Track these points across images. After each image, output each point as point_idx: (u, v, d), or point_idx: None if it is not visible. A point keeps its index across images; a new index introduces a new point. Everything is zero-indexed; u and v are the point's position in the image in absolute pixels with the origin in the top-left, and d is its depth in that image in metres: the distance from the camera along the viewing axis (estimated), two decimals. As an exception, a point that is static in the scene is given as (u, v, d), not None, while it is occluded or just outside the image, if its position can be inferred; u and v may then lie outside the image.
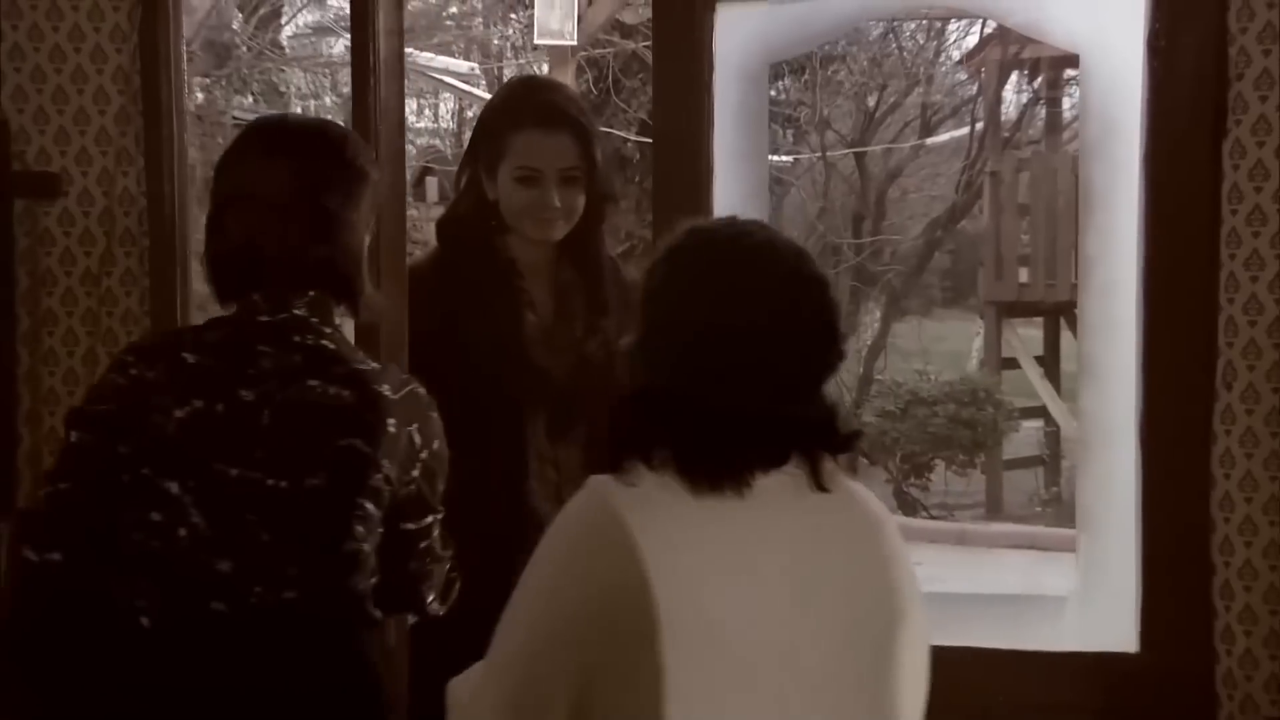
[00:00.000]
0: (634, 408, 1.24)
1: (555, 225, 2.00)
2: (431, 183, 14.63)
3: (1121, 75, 2.31)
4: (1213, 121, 2.25)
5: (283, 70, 10.15)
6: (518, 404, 2.00)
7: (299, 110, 12.37)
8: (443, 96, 14.68)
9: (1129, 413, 2.34)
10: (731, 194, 2.46)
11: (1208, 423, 2.29)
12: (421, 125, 16.15)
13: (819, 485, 1.19)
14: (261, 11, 10.03)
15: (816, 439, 1.21)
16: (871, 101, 14.51)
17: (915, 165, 16.13)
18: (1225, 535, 2.28)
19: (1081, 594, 2.41)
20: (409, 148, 15.13)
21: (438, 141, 15.19)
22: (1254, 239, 2.26)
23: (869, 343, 10.28)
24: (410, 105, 16.32)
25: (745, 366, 1.19)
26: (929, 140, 14.62)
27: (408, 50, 10.67)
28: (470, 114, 15.75)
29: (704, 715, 1.13)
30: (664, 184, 2.49)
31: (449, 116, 15.77)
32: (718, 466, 1.17)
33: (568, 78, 5.64)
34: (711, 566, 1.15)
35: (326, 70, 10.17)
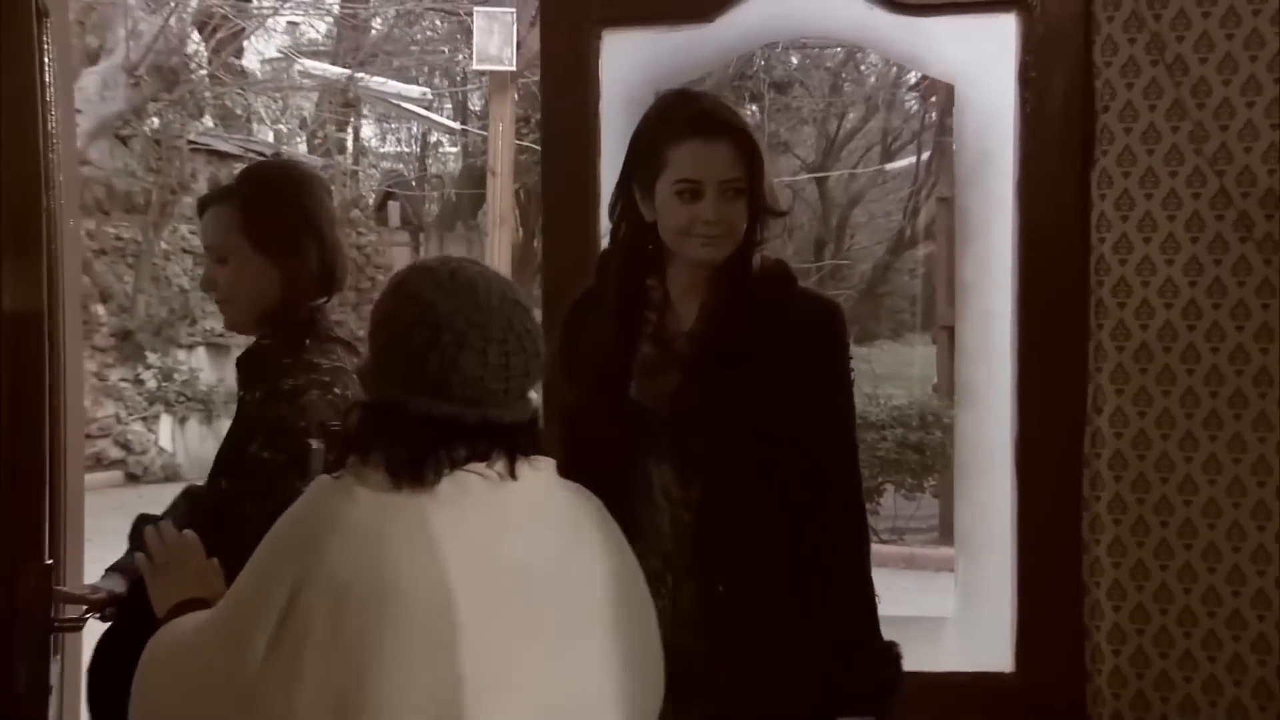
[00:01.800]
0: (359, 416, 1.44)
1: (719, 244, 1.76)
2: (394, 207, 14.64)
3: (996, 107, 2.36)
4: (1081, 152, 2.31)
5: (239, 93, 10.15)
6: (629, 444, 1.80)
7: (261, 133, 12.38)
8: (405, 122, 14.71)
9: (1005, 437, 2.38)
10: (619, 220, 2.50)
11: (1079, 446, 2.33)
12: (385, 150, 16.18)
13: (511, 475, 1.42)
14: (220, 35, 10.04)
15: (513, 439, 1.43)
16: (832, 127, 14.64)
17: (881, 190, 16.26)
18: (1096, 556, 2.32)
19: (960, 615, 2.45)
20: (373, 171, 15.13)
21: (401, 166, 15.20)
22: (1121, 266, 2.31)
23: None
24: (374, 130, 16.41)
25: (451, 380, 1.40)
26: (889, 166, 14.75)
27: (360, 76, 10.56)
28: (434, 139, 15.82)
29: (394, 676, 1.32)
30: (553, 209, 2.54)
31: (413, 141, 15.80)
32: (408, 464, 1.38)
33: (506, 104, 5.67)
34: (400, 545, 1.36)
35: (277, 94, 10.17)
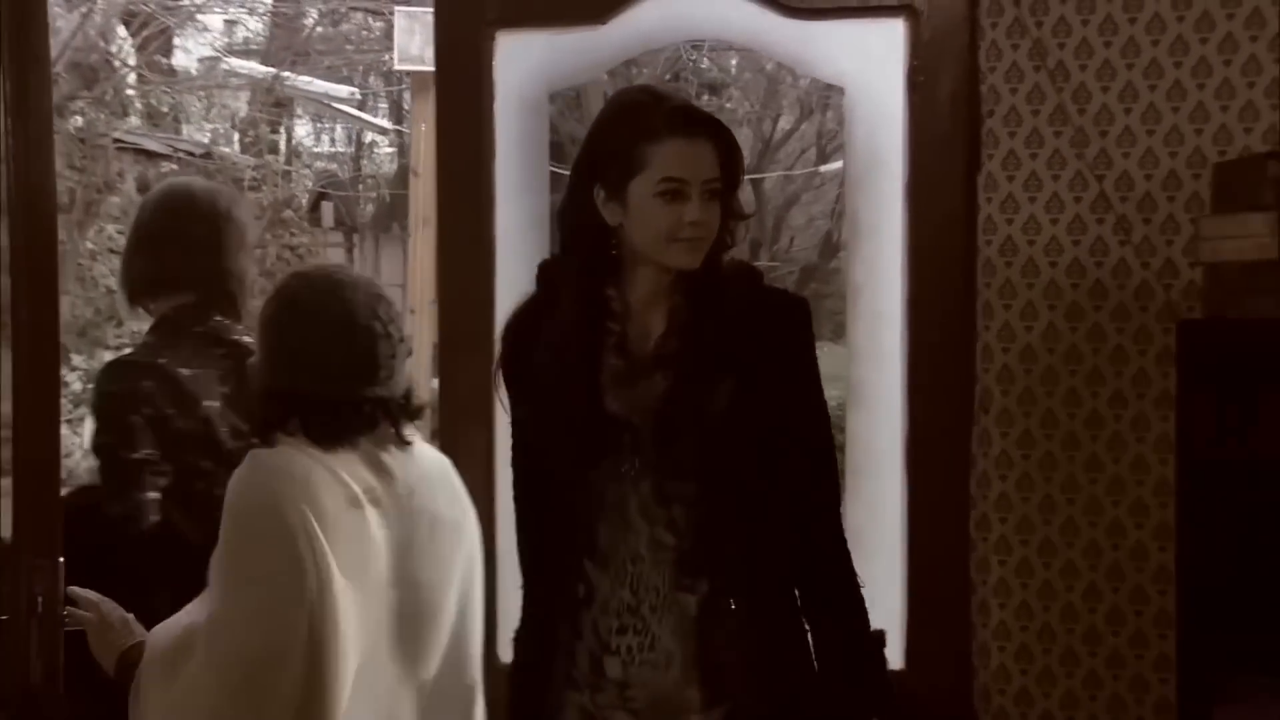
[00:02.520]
0: (268, 401, 1.73)
1: (700, 247, 1.68)
2: (327, 208, 14.47)
3: (885, 110, 2.39)
4: (967, 155, 2.34)
5: (166, 91, 10.02)
6: (601, 462, 1.70)
7: (192, 132, 12.20)
8: (340, 122, 14.57)
9: (895, 437, 2.41)
10: (514, 224, 2.50)
11: (967, 446, 2.37)
12: (320, 150, 16.00)
13: (401, 438, 1.76)
14: (147, 32, 9.88)
15: (392, 409, 1.75)
16: (767, 129, 14.71)
17: (818, 193, 16.35)
18: (983, 555, 2.36)
19: (851, 614, 2.47)
20: (306, 172, 15.01)
21: (335, 166, 15.04)
22: (1006, 269, 2.35)
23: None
24: (308, 129, 16.23)
25: (331, 364, 1.71)
26: (823, 168, 14.83)
27: (287, 75, 10.41)
28: (369, 139, 15.68)
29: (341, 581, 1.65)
30: (446, 213, 2.53)
31: (348, 141, 15.65)
32: (332, 433, 1.71)
33: (428, 104, 5.61)
34: (339, 494, 1.69)
35: (203, 93, 10.05)
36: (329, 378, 1.70)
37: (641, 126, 1.67)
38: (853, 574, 1.77)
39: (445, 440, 2.42)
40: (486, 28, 2.44)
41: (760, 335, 1.72)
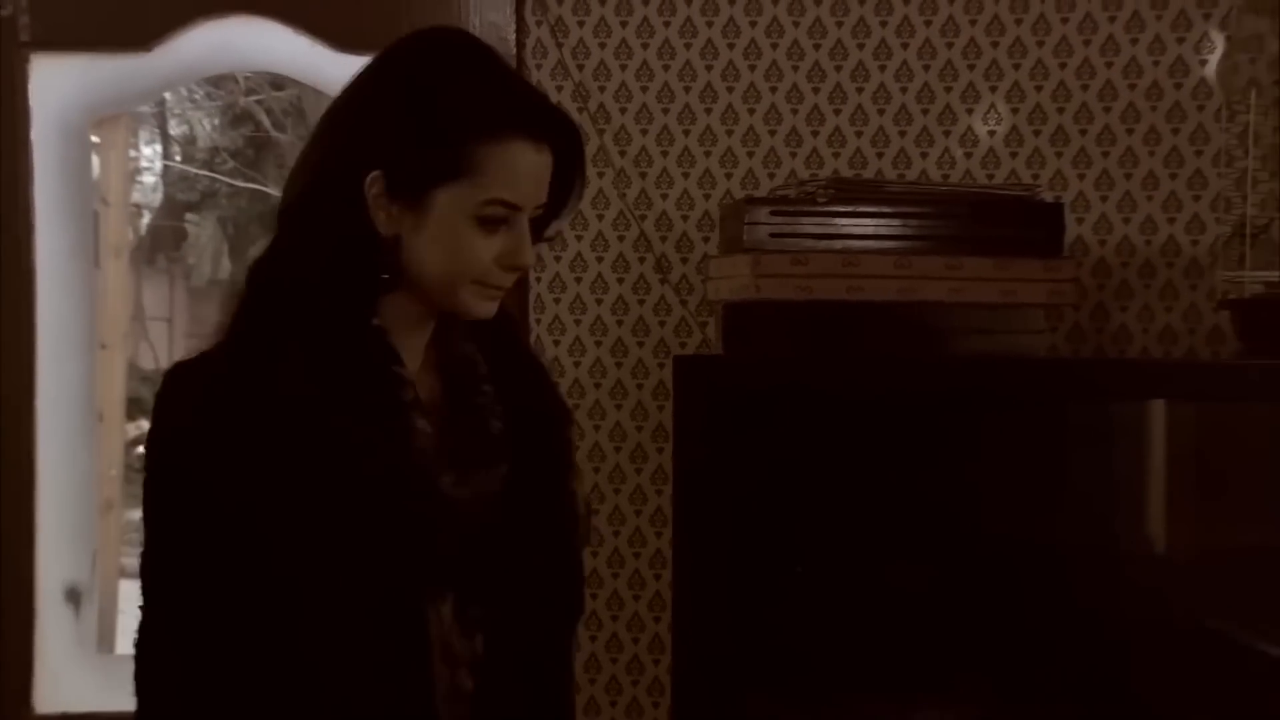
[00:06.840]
0: None
1: (503, 295, 1.25)
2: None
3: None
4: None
5: None
6: (406, 568, 1.15)
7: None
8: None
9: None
10: (56, 251, 2.41)
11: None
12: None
13: None
14: None
15: None
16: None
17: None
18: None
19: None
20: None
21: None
22: (555, 304, 2.39)
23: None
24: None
25: None
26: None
27: None
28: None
29: None
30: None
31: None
32: None
33: (119, 130, 5.35)
34: None
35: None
36: None
37: (478, 112, 1.15)
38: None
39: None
40: (20, 49, 2.34)
41: (553, 417, 1.33)
